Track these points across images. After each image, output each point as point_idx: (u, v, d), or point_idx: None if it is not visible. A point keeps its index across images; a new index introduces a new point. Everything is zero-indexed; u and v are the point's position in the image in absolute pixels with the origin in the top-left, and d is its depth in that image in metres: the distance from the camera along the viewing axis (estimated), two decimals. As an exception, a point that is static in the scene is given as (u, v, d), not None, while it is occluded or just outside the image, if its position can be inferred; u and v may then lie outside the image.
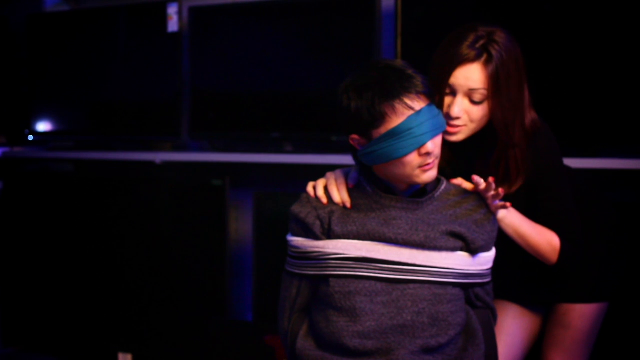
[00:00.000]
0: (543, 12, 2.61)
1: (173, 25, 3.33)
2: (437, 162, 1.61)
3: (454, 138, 1.77)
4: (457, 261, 1.62)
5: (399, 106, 1.54)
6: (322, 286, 1.64)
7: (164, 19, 3.34)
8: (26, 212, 3.72)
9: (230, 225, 3.18)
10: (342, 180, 1.70)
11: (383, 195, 1.65)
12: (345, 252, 1.61)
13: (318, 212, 1.65)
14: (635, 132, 2.49)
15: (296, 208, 1.69)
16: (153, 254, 3.31)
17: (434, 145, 1.57)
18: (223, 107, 3.26)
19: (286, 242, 1.73)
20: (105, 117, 3.56)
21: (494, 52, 1.71)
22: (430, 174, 1.61)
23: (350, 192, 1.68)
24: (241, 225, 3.40)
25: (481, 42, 1.72)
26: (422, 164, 1.58)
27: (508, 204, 1.69)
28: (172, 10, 3.33)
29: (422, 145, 1.55)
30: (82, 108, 3.64)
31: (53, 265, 3.60)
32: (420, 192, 1.67)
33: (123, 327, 3.39)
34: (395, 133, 1.54)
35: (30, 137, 3.77)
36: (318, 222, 1.64)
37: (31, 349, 3.70)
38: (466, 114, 1.74)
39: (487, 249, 1.68)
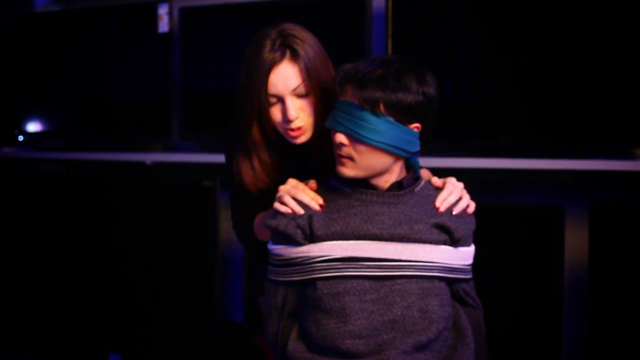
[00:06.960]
0: (533, 13, 2.63)
1: (163, 25, 3.33)
2: (350, 163, 1.60)
3: (300, 140, 1.75)
4: (441, 255, 1.63)
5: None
6: (309, 290, 1.63)
7: (154, 19, 3.34)
8: (15, 213, 3.71)
9: (220, 225, 3.17)
10: (302, 186, 1.69)
11: (364, 191, 1.65)
12: (330, 254, 1.60)
13: (297, 221, 1.63)
14: (625, 133, 2.51)
15: (273, 222, 1.66)
16: (143, 254, 3.31)
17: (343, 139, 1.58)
18: (213, 108, 3.26)
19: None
20: (95, 117, 3.55)
21: (295, 45, 1.71)
22: (342, 169, 1.61)
23: (326, 195, 1.67)
24: (231, 226, 3.39)
25: (278, 41, 1.70)
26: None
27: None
28: (163, 10, 3.33)
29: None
30: (72, 108, 3.63)
31: (42, 266, 3.59)
32: (397, 188, 1.67)
33: (113, 327, 3.38)
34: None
35: (20, 138, 3.75)
36: (299, 231, 1.62)
37: (20, 350, 3.69)
38: (301, 111, 1.72)
39: (468, 242, 1.70)
